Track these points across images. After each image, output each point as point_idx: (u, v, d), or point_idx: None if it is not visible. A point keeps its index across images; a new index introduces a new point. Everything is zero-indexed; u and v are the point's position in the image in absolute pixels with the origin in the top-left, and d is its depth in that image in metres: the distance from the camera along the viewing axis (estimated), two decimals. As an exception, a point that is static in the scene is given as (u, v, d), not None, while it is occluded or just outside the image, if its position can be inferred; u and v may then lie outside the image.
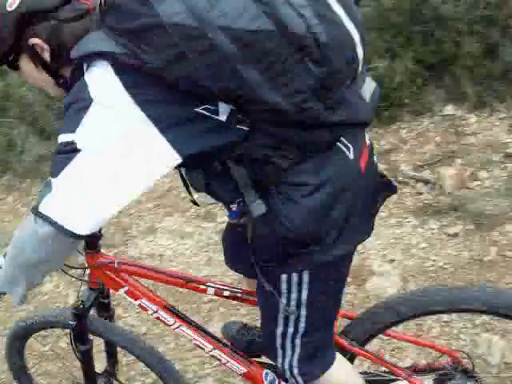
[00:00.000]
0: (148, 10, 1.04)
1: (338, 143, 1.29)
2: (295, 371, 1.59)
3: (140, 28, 1.07)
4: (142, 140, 1.14)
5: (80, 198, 1.17)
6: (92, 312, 1.88)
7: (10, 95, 5.01)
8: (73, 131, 1.13)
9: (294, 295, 1.42)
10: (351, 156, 1.31)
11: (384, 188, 1.50)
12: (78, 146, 1.13)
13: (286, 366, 1.59)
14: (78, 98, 1.16)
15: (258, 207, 1.27)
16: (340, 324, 1.78)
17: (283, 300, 1.43)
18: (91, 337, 1.94)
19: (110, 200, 1.19)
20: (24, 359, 2.29)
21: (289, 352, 1.56)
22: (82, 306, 1.79)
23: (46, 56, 1.30)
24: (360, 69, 1.20)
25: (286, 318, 1.48)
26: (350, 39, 1.14)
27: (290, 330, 1.50)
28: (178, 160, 1.17)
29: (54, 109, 4.69)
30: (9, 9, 1.25)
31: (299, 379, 1.61)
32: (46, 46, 1.28)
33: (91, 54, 1.14)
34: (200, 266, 3.47)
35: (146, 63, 1.08)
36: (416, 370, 1.82)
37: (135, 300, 1.80)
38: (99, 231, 1.73)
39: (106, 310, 1.96)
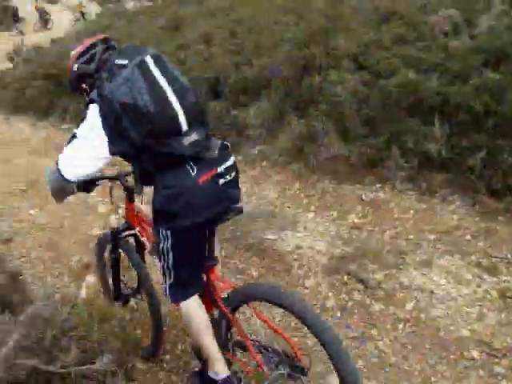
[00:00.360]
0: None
1: (187, 165, 2.34)
2: (167, 292, 2.61)
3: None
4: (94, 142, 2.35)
5: (71, 160, 2.38)
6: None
7: (324, 90, 5.27)
8: (76, 128, 2.39)
9: (163, 243, 2.47)
10: (193, 174, 2.33)
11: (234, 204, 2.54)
12: (76, 135, 2.37)
13: (164, 288, 2.62)
14: (84, 116, 2.39)
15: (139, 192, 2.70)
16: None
17: (160, 245, 2.48)
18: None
19: (79, 166, 2.38)
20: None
21: (165, 278, 2.58)
22: (116, 230, 3.18)
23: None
24: (185, 126, 2.31)
25: (162, 256, 2.51)
26: (171, 111, 2.28)
27: (164, 263, 2.53)
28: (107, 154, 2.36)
29: (362, 115, 4.80)
30: (74, 69, 2.63)
31: (169, 299, 2.63)
32: (88, 89, 2.61)
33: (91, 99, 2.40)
34: (468, 319, 3.35)
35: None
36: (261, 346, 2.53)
37: (142, 237, 3.09)
38: (135, 189, 2.77)
39: (138, 247, 3.19)
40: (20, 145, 9.17)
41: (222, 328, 2.70)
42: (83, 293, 4.52)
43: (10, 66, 15.68)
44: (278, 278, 4.09)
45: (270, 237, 4.44)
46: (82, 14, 27.06)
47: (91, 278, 4.71)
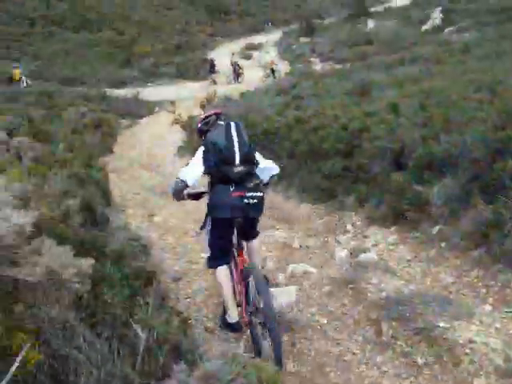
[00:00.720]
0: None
1: (230, 184, 4.03)
2: (206, 262, 4.47)
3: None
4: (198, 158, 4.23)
5: (184, 170, 4.17)
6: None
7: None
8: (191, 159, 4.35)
9: (207, 227, 4.31)
10: (231, 190, 3.99)
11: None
12: (189, 162, 4.29)
13: (205, 258, 4.57)
14: (197, 151, 4.28)
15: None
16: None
17: (205, 228, 4.36)
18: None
19: (187, 173, 4.13)
20: None
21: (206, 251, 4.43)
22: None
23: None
24: (237, 160, 4.03)
25: (206, 237, 4.36)
26: (232, 148, 4.04)
27: (206, 242, 4.38)
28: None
29: None
30: (198, 126, 4.62)
31: (205, 265, 4.51)
32: (202, 137, 4.55)
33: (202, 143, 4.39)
34: None
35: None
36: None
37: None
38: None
39: None
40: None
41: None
42: (242, 346, 4.59)
43: (201, 112, 16.90)
44: (445, 370, 3.84)
45: (441, 324, 4.18)
46: (273, 71, 28.57)
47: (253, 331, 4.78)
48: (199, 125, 4.56)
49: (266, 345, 3.92)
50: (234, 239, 4.39)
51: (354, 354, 4.24)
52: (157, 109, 22.73)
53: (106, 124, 16.89)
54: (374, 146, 7.13)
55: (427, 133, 6.84)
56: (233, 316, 4.30)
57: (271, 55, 36.70)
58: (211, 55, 38.04)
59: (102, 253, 5.03)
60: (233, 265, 4.48)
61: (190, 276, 6.23)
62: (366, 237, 6.29)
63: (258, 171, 4.26)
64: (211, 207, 4.17)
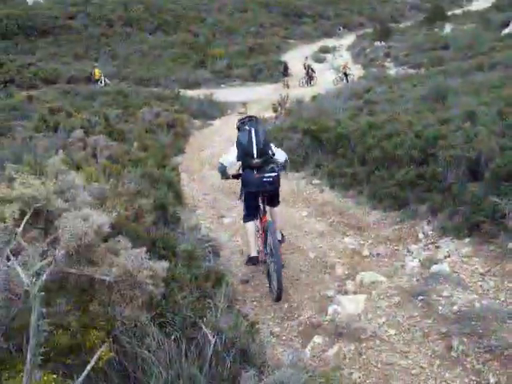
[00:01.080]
0: None
1: (253, 169, 5.94)
2: (243, 218, 6.40)
3: None
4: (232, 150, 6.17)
5: (224, 157, 6.26)
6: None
7: None
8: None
9: (241, 196, 6.32)
10: (254, 173, 5.91)
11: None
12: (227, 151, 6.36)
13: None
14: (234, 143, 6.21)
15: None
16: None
17: (241, 196, 6.34)
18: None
19: (226, 159, 6.19)
20: None
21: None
22: None
23: None
24: (256, 158, 5.89)
25: (242, 202, 6.41)
26: (251, 146, 5.87)
27: (242, 205, 6.45)
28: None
29: None
30: (236, 125, 6.43)
31: (242, 220, 6.42)
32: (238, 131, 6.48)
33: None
34: None
35: None
36: None
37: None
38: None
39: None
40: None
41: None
42: (308, 353, 4.58)
43: (273, 115, 16.95)
44: (518, 392, 3.70)
45: (516, 343, 4.03)
46: (345, 74, 28.34)
47: (318, 339, 4.76)
48: (236, 124, 6.34)
49: (274, 277, 5.58)
50: (261, 206, 6.19)
51: (422, 367, 4.14)
52: (229, 111, 23.00)
53: (178, 124, 17.26)
54: (449, 154, 6.94)
55: (506, 142, 6.61)
56: (253, 253, 6.16)
57: (344, 59, 36.38)
58: (284, 58, 38.12)
59: (173, 253, 5.16)
60: (258, 222, 6.29)
61: (259, 278, 6.28)
62: (438, 247, 6.13)
63: (276, 156, 6.16)
64: (243, 184, 6.12)
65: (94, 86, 29.33)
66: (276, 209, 6.45)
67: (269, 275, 5.90)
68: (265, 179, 5.86)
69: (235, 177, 6.23)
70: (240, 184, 6.22)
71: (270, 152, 6.04)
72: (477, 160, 6.68)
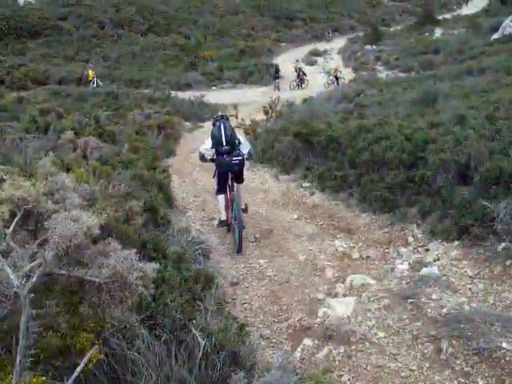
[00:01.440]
0: None
1: (224, 154, 7.49)
2: (215, 192, 8.18)
3: None
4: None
5: (202, 146, 7.95)
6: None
7: None
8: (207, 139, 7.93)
9: (215, 174, 7.83)
10: (224, 157, 7.49)
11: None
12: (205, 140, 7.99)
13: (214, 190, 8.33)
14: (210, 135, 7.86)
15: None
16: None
17: (215, 175, 7.89)
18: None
19: (204, 148, 7.83)
20: None
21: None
22: None
23: None
24: (225, 145, 7.45)
25: (215, 178, 7.95)
26: (221, 137, 7.46)
27: (214, 181, 7.99)
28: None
29: None
30: (212, 121, 8.51)
31: (215, 192, 8.19)
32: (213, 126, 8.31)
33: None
34: None
35: None
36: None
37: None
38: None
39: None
40: (260, 194, 9.82)
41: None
42: (298, 356, 4.59)
43: (264, 117, 16.95)
44: (507, 394, 3.73)
45: (505, 345, 4.06)
46: (336, 78, 28.42)
47: (308, 341, 4.77)
48: (213, 120, 7.97)
49: (237, 234, 7.24)
50: (230, 182, 7.68)
51: (411, 370, 4.17)
52: (220, 112, 22.94)
53: (169, 126, 17.22)
54: (438, 157, 6.98)
55: (495, 146, 6.66)
56: (223, 217, 7.80)
57: (335, 62, 36.50)
58: (276, 61, 38.16)
59: (163, 255, 5.14)
60: (228, 195, 7.71)
61: (248, 281, 6.29)
62: (427, 250, 6.17)
63: (241, 146, 7.64)
64: (217, 165, 7.63)
65: (86, 86, 29.25)
66: (241, 185, 7.91)
67: (234, 233, 7.49)
68: (233, 161, 7.47)
69: (212, 160, 7.75)
70: (214, 166, 7.75)
71: (236, 141, 7.59)
72: (466, 164, 6.73)
